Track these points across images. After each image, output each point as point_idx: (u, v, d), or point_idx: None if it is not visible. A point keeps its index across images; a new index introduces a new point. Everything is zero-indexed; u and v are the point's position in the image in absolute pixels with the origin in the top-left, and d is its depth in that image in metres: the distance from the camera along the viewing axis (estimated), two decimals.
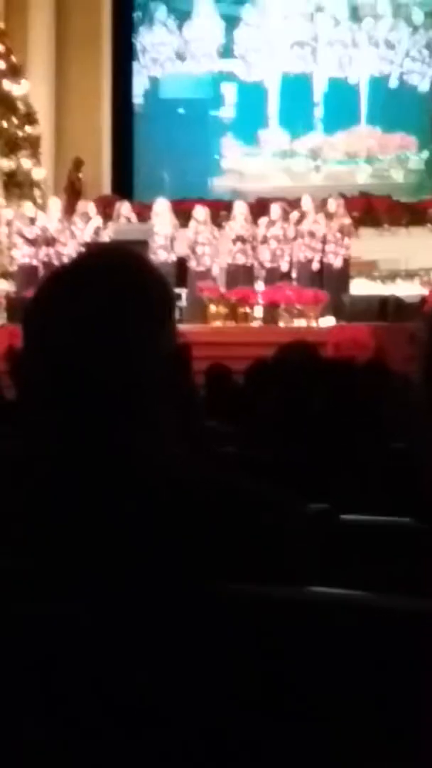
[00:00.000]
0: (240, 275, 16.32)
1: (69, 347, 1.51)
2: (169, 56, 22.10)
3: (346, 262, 16.51)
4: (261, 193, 19.50)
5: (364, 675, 1.41)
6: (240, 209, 16.84)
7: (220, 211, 17.85)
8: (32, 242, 16.78)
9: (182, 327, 10.16)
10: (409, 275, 17.79)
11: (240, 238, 16.45)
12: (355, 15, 21.34)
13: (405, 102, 20.89)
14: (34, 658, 1.45)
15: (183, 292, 15.87)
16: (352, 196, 19.19)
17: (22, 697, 1.46)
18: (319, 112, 21.34)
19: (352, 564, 2.14)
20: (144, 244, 15.18)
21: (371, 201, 19.85)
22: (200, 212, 16.73)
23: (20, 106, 19.20)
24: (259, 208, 17.49)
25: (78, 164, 20.72)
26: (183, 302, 15.75)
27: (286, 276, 16.37)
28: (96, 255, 1.83)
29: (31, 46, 20.92)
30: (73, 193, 19.89)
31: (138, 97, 22.21)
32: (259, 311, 16.03)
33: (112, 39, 21.97)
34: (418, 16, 21.19)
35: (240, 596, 1.44)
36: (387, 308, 15.48)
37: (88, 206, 17.56)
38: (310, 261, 16.23)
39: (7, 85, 19.07)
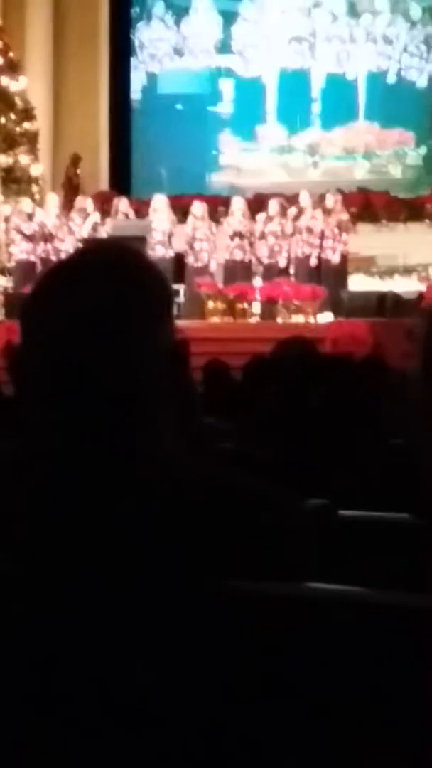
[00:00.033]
0: (238, 271, 16.33)
1: (66, 343, 1.50)
2: (167, 52, 22.08)
3: (344, 257, 16.52)
4: (259, 189, 19.51)
5: (364, 671, 1.41)
6: (238, 205, 16.85)
7: (218, 206, 17.86)
8: (30, 238, 16.78)
9: (180, 323, 10.16)
10: (407, 271, 17.79)
11: (238, 234, 16.45)
12: (353, 10, 21.32)
13: (403, 98, 20.87)
14: (34, 658, 1.45)
15: (181, 287, 15.88)
16: (350, 192, 19.20)
17: (22, 697, 1.46)
18: (316, 107, 21.33)
19: (351, 560, 2.14)
20: (142, 239, 15.18)
21: (369, 197, 19.85)
22: (198, 208, 16.73)
23: (18, 102, 19.20)
24: (257, 203, 17.49)
25: (76, 160, 20.72)
26: (181, 298, 15.75)
27: (284, 272, 16.38)
28: (94, 251, 1.82)
29: (29, 42, 20.91)
30: (70, 189, 19.88)
31: (136, 93, 22.19)
32: (257, 307, 16.04)
33: (109, 35, 21.95)
34: (416, 12, 21.18)
35: (239, 593, 1.44)
36: (385, 304, 15.48)
37: (85, 202, 17.55)
38: (308, 257, 16.23)
39: (5, 81, 19.07)
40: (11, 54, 19.44)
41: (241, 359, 6.16)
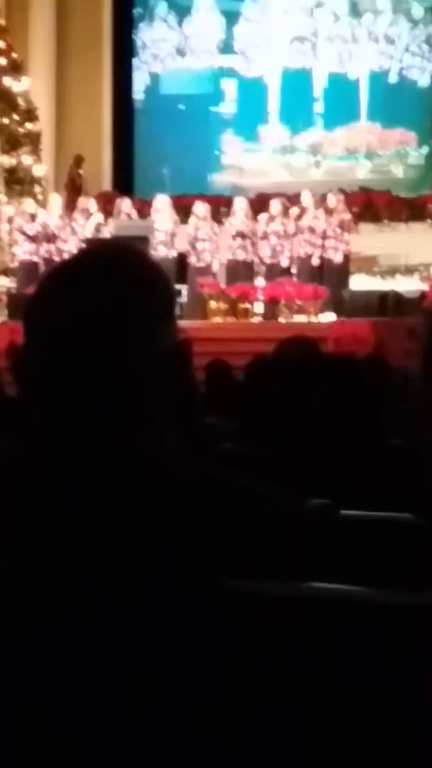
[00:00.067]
0: (240, 271, 16.32)
1: (67, 343, 1.50)
2: (170, 52, 22.08)
3: (346, 257, 16.51)
4: (261, 189, 19.51)
5: (364, 671, 1.41)
6: (240, 205, 16.84)
7: (220, 207, 17.85)
8: (33, 239, 16.78)
9: (182, 323, 10.14)
10: (409, 270, 17.78)
11: (240, 234, 16.44)
12: (355, 10, 21.32)
13: (405, 97, 20.87)
14: (34, 658, 1.45)
15: (183, 288, 15.87)
16: (351, 192, 19.19)
17: (22, 697, 1.46)
18: (318, 107, 21.33)
19: (352, 559, 2.14)
20: (144, 240, 15.17)
21: (371, 196, 19.85)
22: (200, 208, 16.73)
23: (21, 102, 19.20)
24: (259, 203, 17.48)
25: (78, 161, 20.72)
26: (183, 298, 15.74)
27: (286, 272, 16.37)
28: (96, 251, 1.83)
29: (31, 42, 20.92)
30: (73, 190, 19.89)
31: (138, 93, 22.19)
32: (259, 307, 16.03)
33: (112, 35, 21.96)
34: (417, 11, 21.17)
35: (240, 593, 1.44)
36: (387, 303, 15.48)
37: (88, 203, 17.56)
38: (310, 257, 16.23)
39: (8, 81, 19.06)
40: (14, 54, 19.44)
41: (243, 359, 6.17)
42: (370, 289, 16.55)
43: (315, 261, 16.21)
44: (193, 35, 21.90)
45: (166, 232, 16.46)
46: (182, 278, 15.96)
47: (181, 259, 16.42)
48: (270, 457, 3.27)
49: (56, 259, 15.55)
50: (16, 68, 19.32)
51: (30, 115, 19.29)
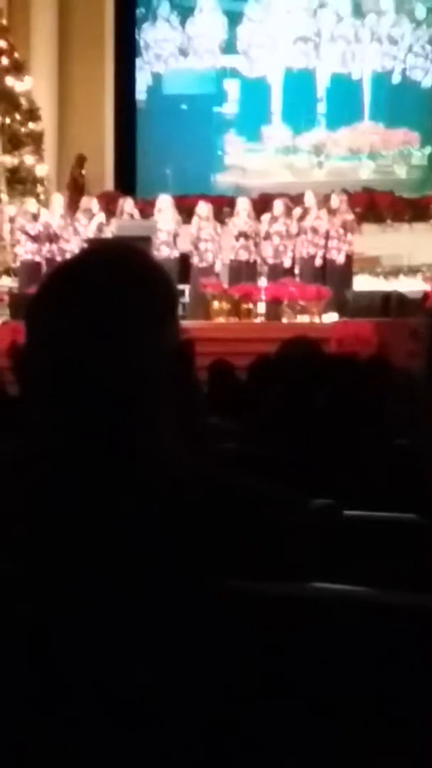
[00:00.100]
0: (243, 271, 16.32)
1: (68, 343, 1.50)
2: (172, 52, 22.08)
3: (349, 258, 16.51)
4: (264, 189, 19.51)
5: (367, 671, 1.41)
6: (243, 205, 16.84)
7: (223, 207, 17.87)
8: (35, 239, 16.78)
9: (185, 323, 10.15)
10: (412, 271, 17.79)
11: (243, 234, 16.44)
12: (358, 10, 21.31)
13: (408, 98, 20.86)
14: (34, 658, 1.45)
15: (186, 288, 15.87)
16: (354, 192, 19.20)
17: (22, 697, 1.46)
18: (321, 107, 21.32)
19: (355, 560, 2.14)
20: (147, 240, 15.17)
21: (374, 197, 19.85)
22: (203, 208, 16.73)
23: (23, 102, 19.21)
24: (262, 204, 17.49)
25: (81, 160, 20.73)
26: (186, 298, 15.76)
27: (289, 272, 16.37)
28: (98, 251, 1.82)
29: (34, 42, 20.94)
30: (75, 190, 19.89)
31: (141, 94, 22.20)
32: (261, 307, 16.04)
33: (115, 35, 21.96)
34: (420, 12, 21.16)
35: (241, 593, 1.44)
36: (390, 304, 15.48)
37: (91, 202, 17.56)
38: (312, 257, 16.23)
39: (10, 81, 19.08)
40: (16, 54, 19.46)
41: (245, 359, 6.16)
42: (373, 290, 16.56)
43: (318, 261, 16.21)
44: (196, 35, 21.90)
45: (168, 233, 16.47)
46: (185, 278, 15.97)
47: (184, 260, 16.42)
48: (273, 458, 3.27)
49: (58, 259, 15.56)
50: (18, 68, 19.34)
51: (32, 114, 19.30)
